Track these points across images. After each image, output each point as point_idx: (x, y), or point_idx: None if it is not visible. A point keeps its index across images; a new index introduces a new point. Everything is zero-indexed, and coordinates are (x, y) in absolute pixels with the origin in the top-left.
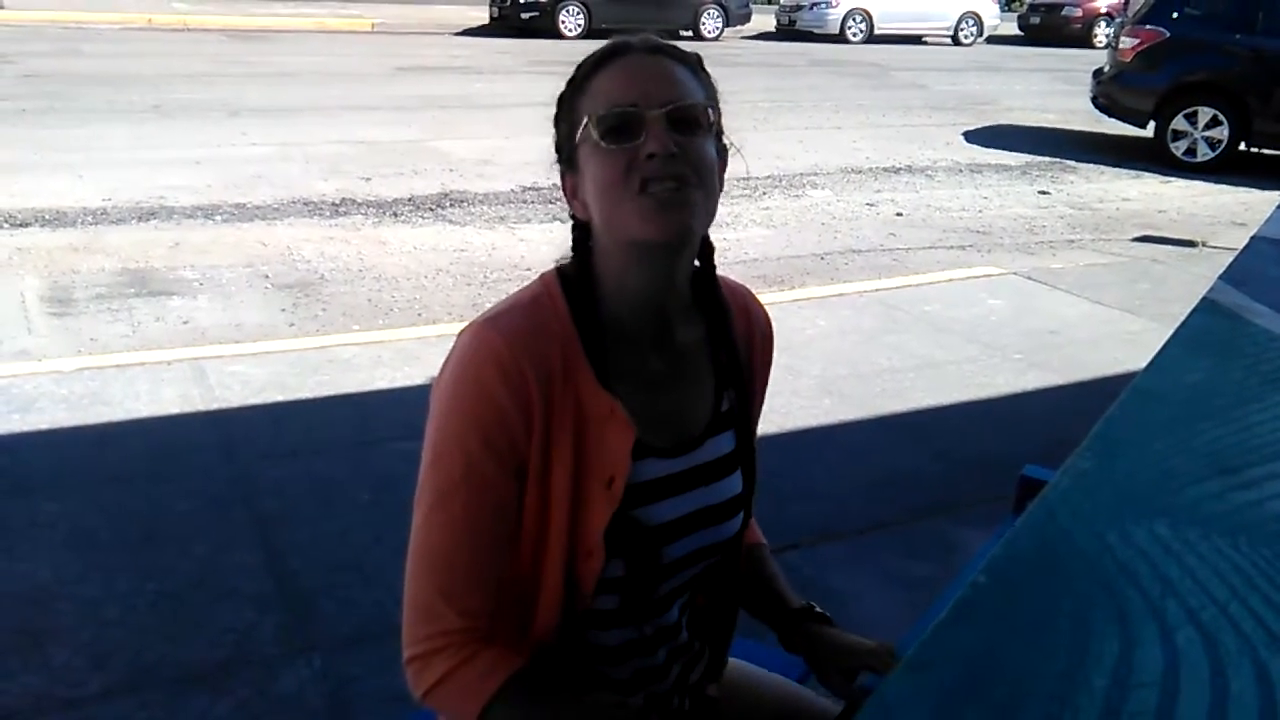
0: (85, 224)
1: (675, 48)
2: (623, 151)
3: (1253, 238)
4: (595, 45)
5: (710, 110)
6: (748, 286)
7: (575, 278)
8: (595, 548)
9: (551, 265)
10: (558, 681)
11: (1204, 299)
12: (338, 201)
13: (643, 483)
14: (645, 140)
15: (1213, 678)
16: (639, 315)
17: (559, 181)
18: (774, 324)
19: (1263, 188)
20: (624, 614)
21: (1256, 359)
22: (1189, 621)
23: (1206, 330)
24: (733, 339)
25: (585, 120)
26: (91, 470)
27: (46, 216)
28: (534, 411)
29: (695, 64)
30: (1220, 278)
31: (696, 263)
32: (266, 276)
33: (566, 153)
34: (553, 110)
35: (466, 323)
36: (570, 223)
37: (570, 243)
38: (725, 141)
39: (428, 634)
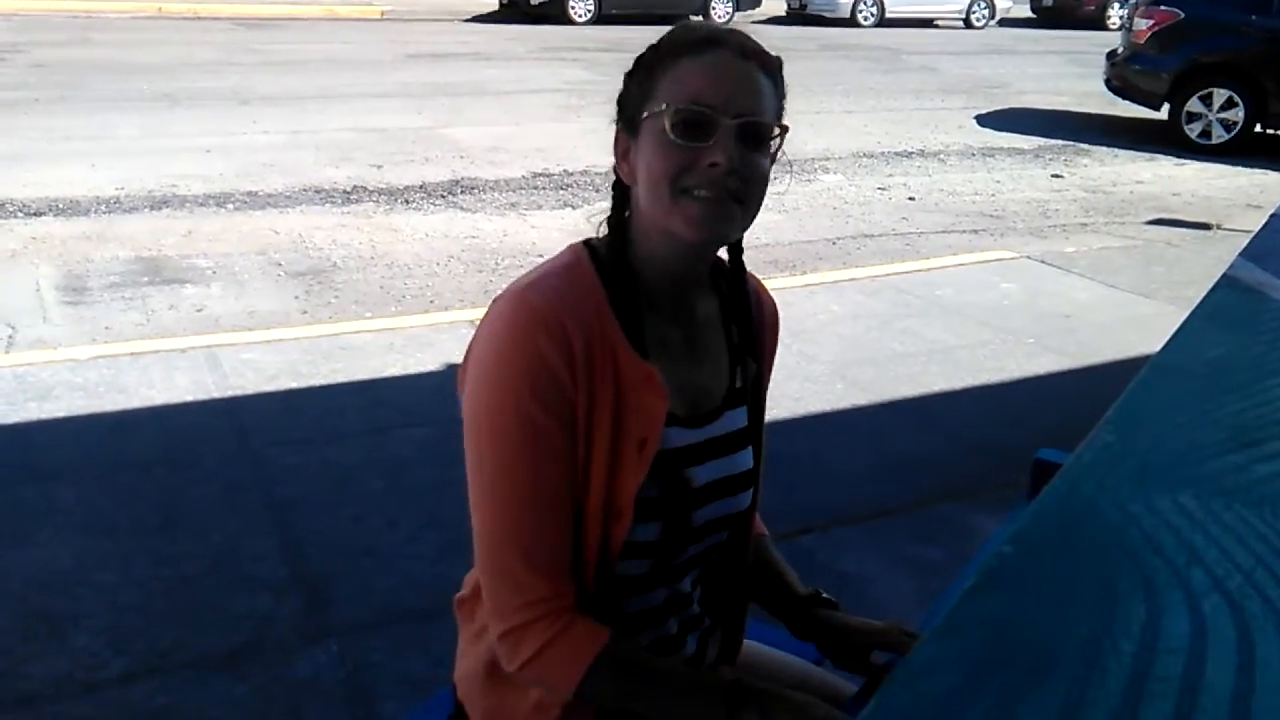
0: (98, 213)
1: (764, 53)
2: (688, 150)
3: (1272, 215)
4: (605, 32)
5: (778, 128)
6: (756, 274)
7: (607, 243)
8: (626, 509)
9: (551, 253)
10: (644, 652)
11: (1224, 276)
12: (349, 189)
13: (670, 449)
14: (713, 146)
15: (1239, 643)
16: (664, 284)
17: (612, 143)
18: (786, 309)
19: (1278, 170)
20: (648, 580)
21: (1277, 334)
22: (1215, 589)
23: (1227, 306)
24: (750, 316)
25: (663, 104)
26: (108, 457)
27: (60, 206)
28: (577, 369)
29: (777, 70)
30: (1240, 255)
31: (724, 255)
32: (279, 264)
33: (630, 116)
34: (567, 94)
35: (491, 299)
36: (613, 182)
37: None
38: (783, 153)
39: (521, 603)
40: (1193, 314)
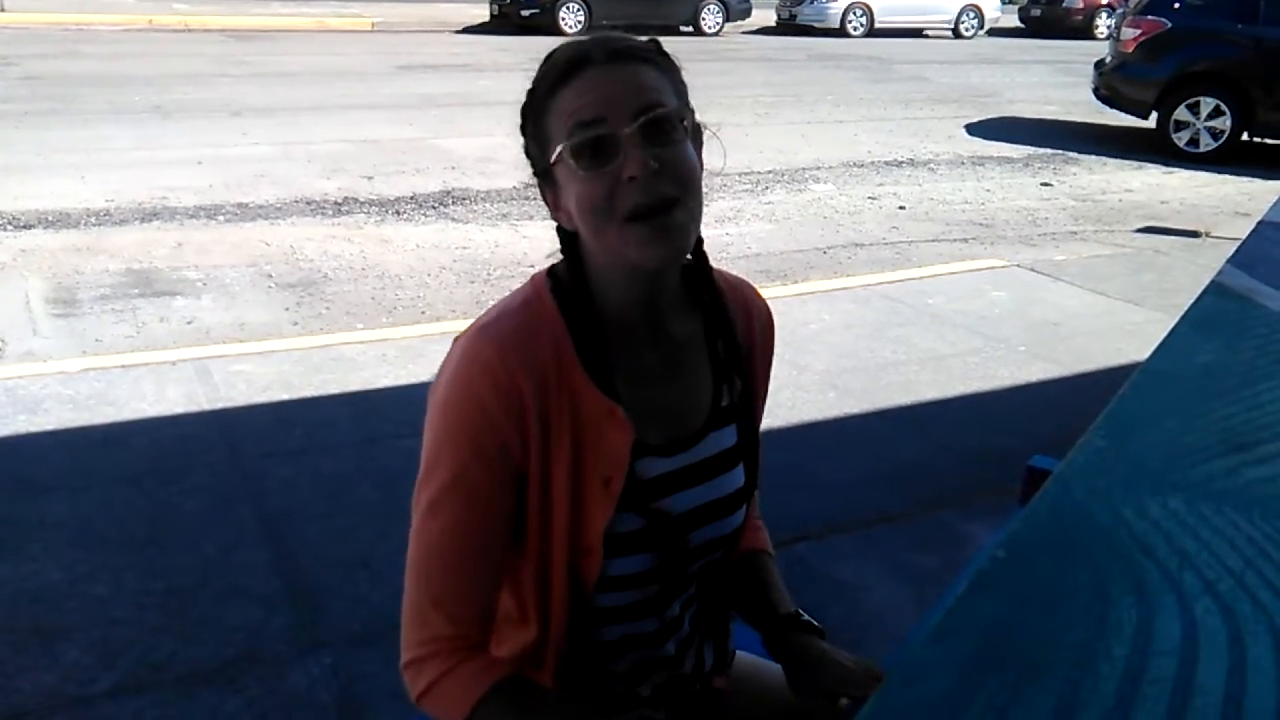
0: (88, 225)
1: (633, 45)
2: (602, 176)
3: (1260, 222)
4: None
5: (682, 109)
6: (748, 280)
7: (567, 278)
8: (594, 547)
9: (545, 265)
10: (543, 690)
11: (1213, 282)
12: (340, 200)
13: (647, 480)
14: (624, 161)
15: (1231, 645)
16: (632, 312)
17: (542, 200)
18: (778, 318)
19: (1266, 177)
20: (636, 609)
21: (1266, 340)
22: (1206, 592)
23: (1216, 312)
24: (731, 331)
25: (558, 146)
26: (98, 470)
27: (50, 218)
28: (529, 417)
29: (656, 54)
30: (1229, 261)
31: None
32: (270, 276)
33: (541, 169)
34: (521, 105)
35: (470, 320)
36: (556, 228)
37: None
38: (698, 122)
39: (419, 640)
40: (1182, 319)
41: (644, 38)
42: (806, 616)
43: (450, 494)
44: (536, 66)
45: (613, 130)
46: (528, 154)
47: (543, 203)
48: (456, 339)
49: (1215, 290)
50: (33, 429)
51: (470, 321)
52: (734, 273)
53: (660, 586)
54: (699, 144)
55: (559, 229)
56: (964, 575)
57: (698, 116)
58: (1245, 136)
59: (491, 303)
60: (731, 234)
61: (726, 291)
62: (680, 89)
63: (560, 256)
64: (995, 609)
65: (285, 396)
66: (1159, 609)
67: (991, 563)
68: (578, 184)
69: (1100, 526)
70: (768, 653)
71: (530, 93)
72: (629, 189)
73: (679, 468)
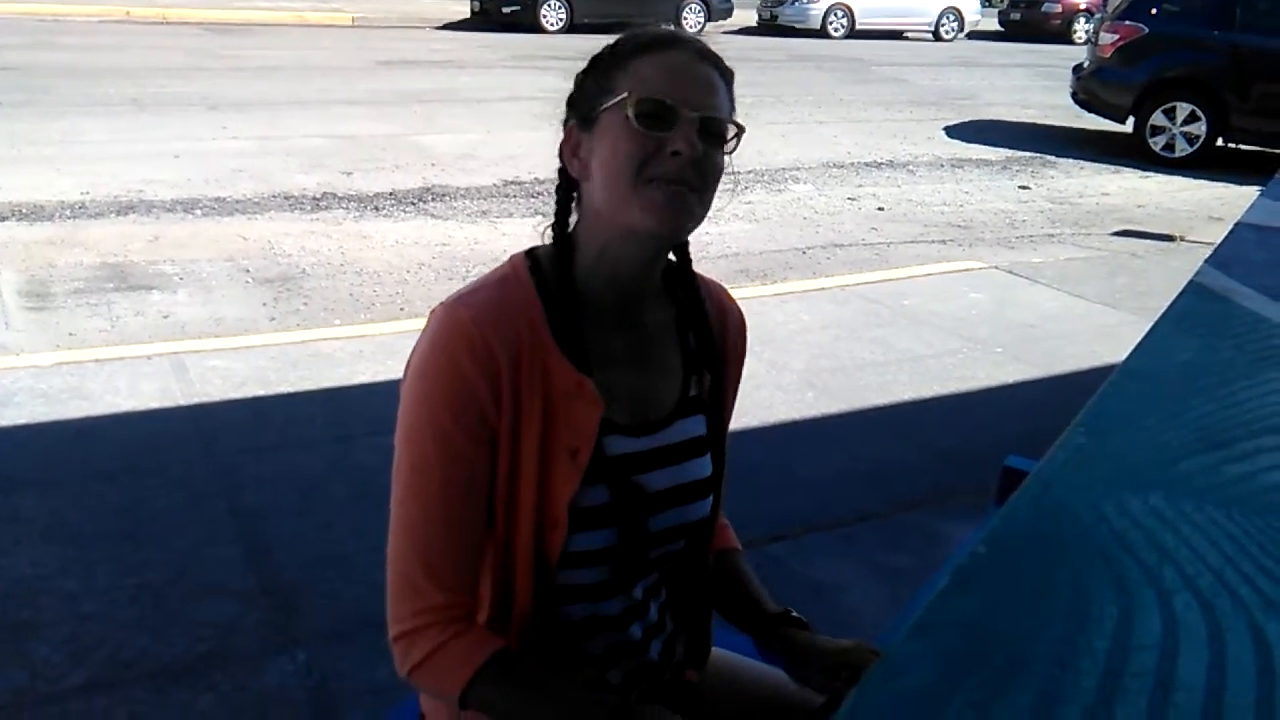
0: (63, 218)
1: (720, 58)
2: (651, 138)
3: (1236, 224)
4: (577, 40)
5: (735, 126)
6: (723, 284)
7: (551, 252)
8: (560, 519)
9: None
10: (536, 661)
11: (1191, 282)
12: (319, 196)
13: (613, 457)
14: (675, 136)
15: (1210, 640)
16: (608, 292)
17: (562, 132)
18: (757, 317)
19: (1239, 183)
20: (600, 589)
21: (1243, 338)
22: (1186, 587)
23: (1195, 311)
24: (706, 325)
25: (624, 94)
26: (71, 465)
27: (24, 210)
28: (502, 385)
29: (730, 78)
30: (1206, 261)
31: (672, 257)
32: (247, 271)
33: (585, 112)
34: (539, 102)
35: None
36: (557, 181)
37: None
38: (739, 135)
39: (412, 611)
40: (1162, 318)
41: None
42: (795, 613)
43: (432, 460)
44: (516, 63)
45: (681, 107)
46: (576, 96)
47: (523, 197)
48: (433, 311)
49: (1194, 290)
50: (4, 423)
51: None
52: (712, 276)
53: (620, 565)
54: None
55: (560, 172)
56: (941, 574)
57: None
58: (1220, 142)
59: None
60: (711, 234)
61: (703, 290)
62: (734, 104)
63: (547, 229)
64: (977, 604)
65: (261, 392)
66: (1139, 605)
67: (973, 559)
68: (623, 135)
69: (1081, 523)
70: (761, 654)
71: (605, 51)
72: (666, 160)
73: (646, 449)
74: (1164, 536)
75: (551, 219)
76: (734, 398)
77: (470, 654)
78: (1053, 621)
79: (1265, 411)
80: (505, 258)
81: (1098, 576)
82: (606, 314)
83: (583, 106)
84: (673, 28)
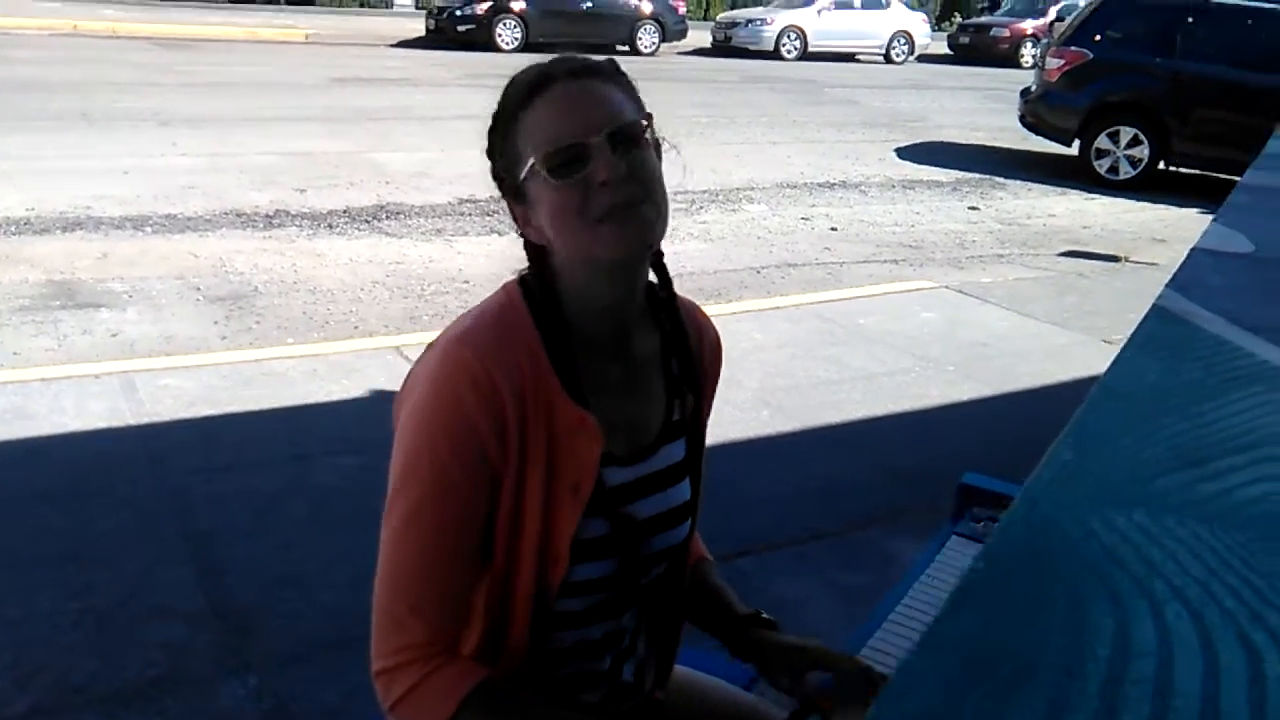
0: (8, 234)
1: (591, 63)
2: (575, 184)
3: (1192, 249)
4: (532, 59)
5: (643, 120)
6: (696, 303)
7: (537, 290)
8: (562, 553)
9: (508, 276)
10: (519, 692)
11: (1154, 305)
12: (271, 213)
13: (610, 488)
14: (595, 168)
15: (1203, 648)
16: (601, 325)
17: (507, 211)
18: None
19: (1180, 205)
20: (588, 615)
21: (1209, 360)
22: (1176, 598)
23: (1160, 334)
24: (689, 349)
25: (530, 159)
26: (14, 486)
27: None
28: (508, 424)
29: (614, 73)
30: (1168, 286)
31: (652, 277)
32: (198, 289)
33: (511, 187)
34: (488, 128)
35: (417, 326)
36: (523, 244)
37: (523, 262)
38: (659, 137)
39: (395, 647)
40: (1130, 340)
41: (601, 57)
42: (765, 614)
43: (429, 499)
44: (471, 81)
45: (582, 140)
46: (496, 176)
47: (510, 218)
48: (430, 346)
49: (1157, 314)
50: None
51: (426, 334)
52: (681, 295)
53: (616, 594)
54: (659, 153)
55: (527, 245)
56: (896, 594)
57: (660, 135)
58: (1162, 165)
59: (425, 318)
60: (666, 253)
61: (682, 312)
62: (638, 102)
63: (520, 269)
64: (976, 621)
65: (213, 412)
66: (1134, 615)
67: (971, 575)
68: (551, 194)
69: (1070, 538)
70: (731, 655)
71: (496, 116)
72: (601, 193)
73: (637, 477)
74: (1151, 551)
75: (509, 235)
76: (709, 415)
77: (453, 687)
78: (1053, 633)
79: (1234, 430)
80: (460, 276)
81: (1092, 589)
82: (598, 344)
83: (507, 182)
84: (539, 65)
